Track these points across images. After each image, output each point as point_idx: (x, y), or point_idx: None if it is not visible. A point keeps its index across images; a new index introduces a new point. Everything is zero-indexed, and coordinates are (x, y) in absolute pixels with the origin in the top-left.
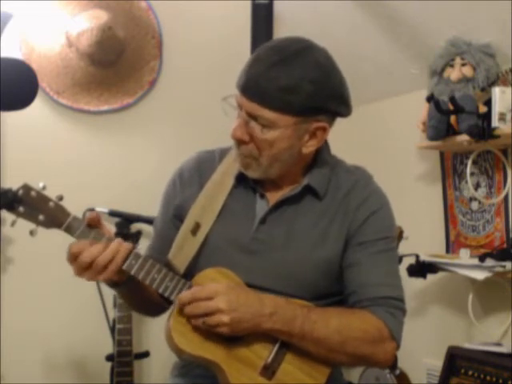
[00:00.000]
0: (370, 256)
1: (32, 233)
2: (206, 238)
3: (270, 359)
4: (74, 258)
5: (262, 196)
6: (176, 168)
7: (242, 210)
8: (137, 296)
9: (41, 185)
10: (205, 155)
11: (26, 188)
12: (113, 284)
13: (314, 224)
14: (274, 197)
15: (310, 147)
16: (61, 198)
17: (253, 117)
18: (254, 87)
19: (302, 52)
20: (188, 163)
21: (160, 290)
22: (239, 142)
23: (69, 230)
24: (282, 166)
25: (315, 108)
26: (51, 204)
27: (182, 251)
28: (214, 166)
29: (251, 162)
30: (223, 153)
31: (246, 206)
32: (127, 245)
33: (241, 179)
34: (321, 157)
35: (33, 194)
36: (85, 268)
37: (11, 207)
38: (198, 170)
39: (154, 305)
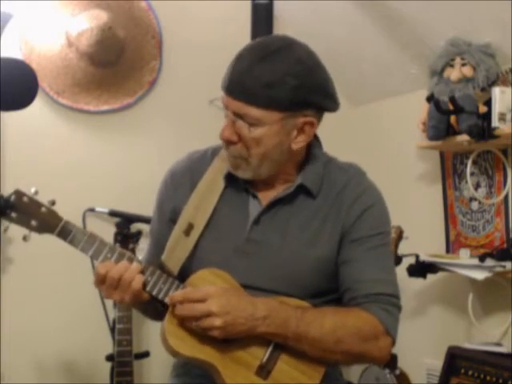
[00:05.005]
0: (364, 252)
1: (25, 238)
2: (200, 239)
3: (265, 359)
4: (102, 279)
5: (255, 196)
6: (166, 170)
7: (235, 210)
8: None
9: (33, 190)
10: (196, 155)
11: (18, 194)
12: (139, 303)
13: (307, 223)
14: (266, 196)
15: (299, 143)
16: (53, 203)
17: (239, 116)
18: (237, 86)
19: (284, 49)
20: (179, 164)
21: (154, 293)
22: (228, 143)
23: (61, 235)
24: (272, 164)
25: (300, 102)
26: (43, 209)
27: (175, 253)
28: (205, 165)
29: (241, 162)
30: (215, 151)
31: (239, 206)
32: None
33: (232, 179)
34: (312, 154)
35: (25, 199)
36: (114, 287)
37: (3, 213)
38: (190, 171)
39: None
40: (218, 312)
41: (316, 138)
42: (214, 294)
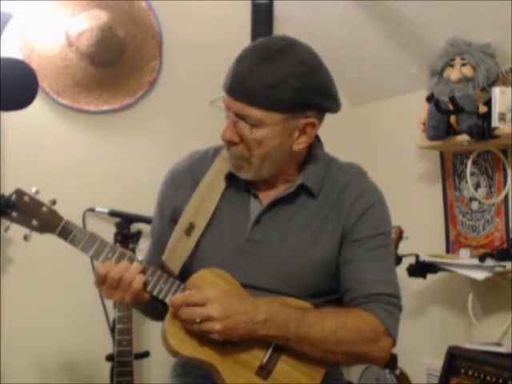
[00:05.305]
0: (365, 253)
1: (26, 238)
2: (200, 239)
3: (265, 359)
4: (102, 279)
5: (255, 196)
6: (167, 170)
7: (236, 210)
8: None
9: (34, 189)
10: (197, 155)
11: (19, 193)
12: (140, 303)
13: (308, 223)
14: (267, 196)
15: (300, 144)
16: (54, 203)
17: (241, 117)
18: (239, 87)
19: (286, 49)
20: (180, 164)
21: (154, 293)
22: (229, 144)
23: (62, 235)
24: (273, 165)
25: (302, 103)
26: (44, 209)
27: (176, 252)
28: (206, 165)
29: (242, 163)
30: (216, 151)
31: (240, 206)
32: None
33: (233, 179)
34: (313, 154)
35: (26, 198)
36: (114, 287)
37: (4, 213)
38: (191, 171)
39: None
40: (218, 316)
41: (317, 138)
42: (214, 298)
